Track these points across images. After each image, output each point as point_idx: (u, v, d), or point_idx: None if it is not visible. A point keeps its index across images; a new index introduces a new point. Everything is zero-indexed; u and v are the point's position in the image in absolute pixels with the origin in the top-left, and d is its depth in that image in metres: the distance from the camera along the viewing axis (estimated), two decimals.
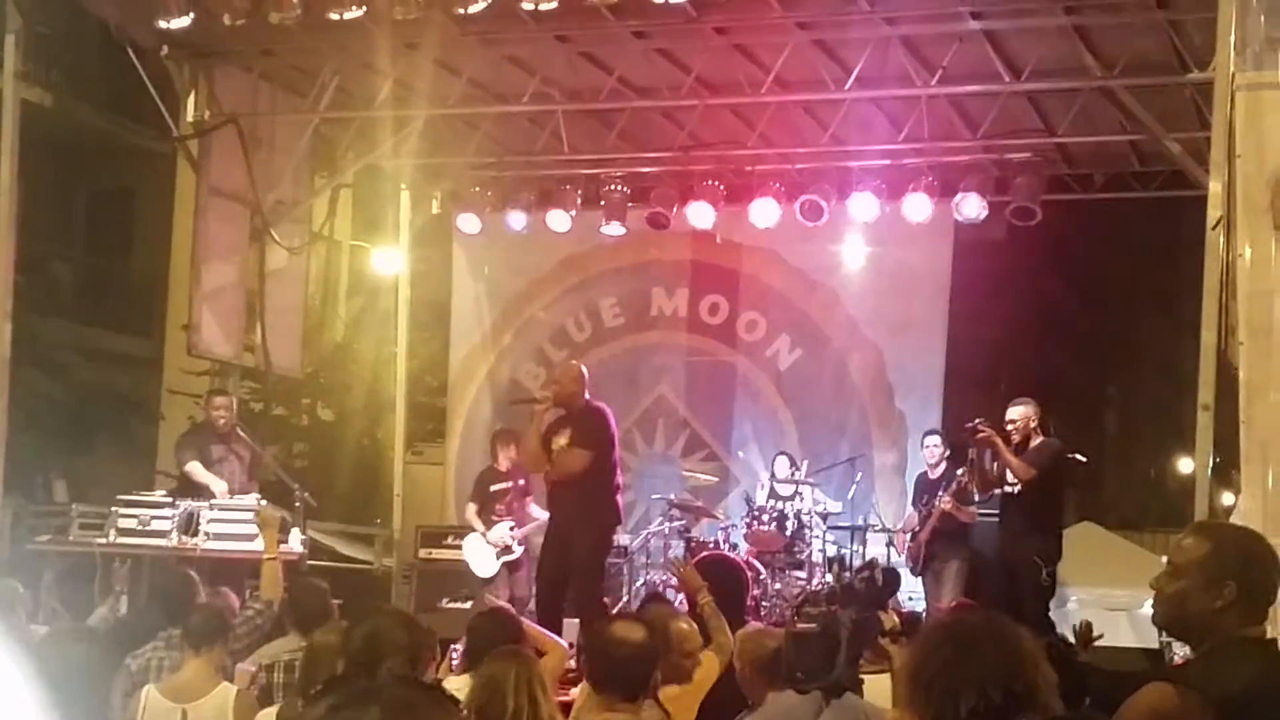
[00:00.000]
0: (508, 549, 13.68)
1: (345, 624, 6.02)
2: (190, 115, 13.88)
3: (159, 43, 13.30)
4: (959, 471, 13.16)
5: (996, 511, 12.55)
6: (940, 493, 13.12)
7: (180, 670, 6.83)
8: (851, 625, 5.02)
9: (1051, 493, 11.75)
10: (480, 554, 13.83)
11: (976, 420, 11.77)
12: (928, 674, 3.45)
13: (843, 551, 14.11)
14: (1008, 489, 11.76)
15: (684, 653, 6.46)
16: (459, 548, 14.09)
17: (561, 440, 10.76)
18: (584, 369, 11.26)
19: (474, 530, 13.95)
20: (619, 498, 11.01)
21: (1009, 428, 11.67)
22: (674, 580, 13.80)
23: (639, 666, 5.08)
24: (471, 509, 14.08)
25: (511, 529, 13.70)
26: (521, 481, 13.98)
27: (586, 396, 10.94)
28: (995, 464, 11.76)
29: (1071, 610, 14.23)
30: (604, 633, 5.21)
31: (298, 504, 12.54)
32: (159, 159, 20.13)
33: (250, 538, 11.67)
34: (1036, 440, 11.72)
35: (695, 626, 6.71)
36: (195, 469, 12.48)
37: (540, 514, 14.10)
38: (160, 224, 22.01)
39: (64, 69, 20.69)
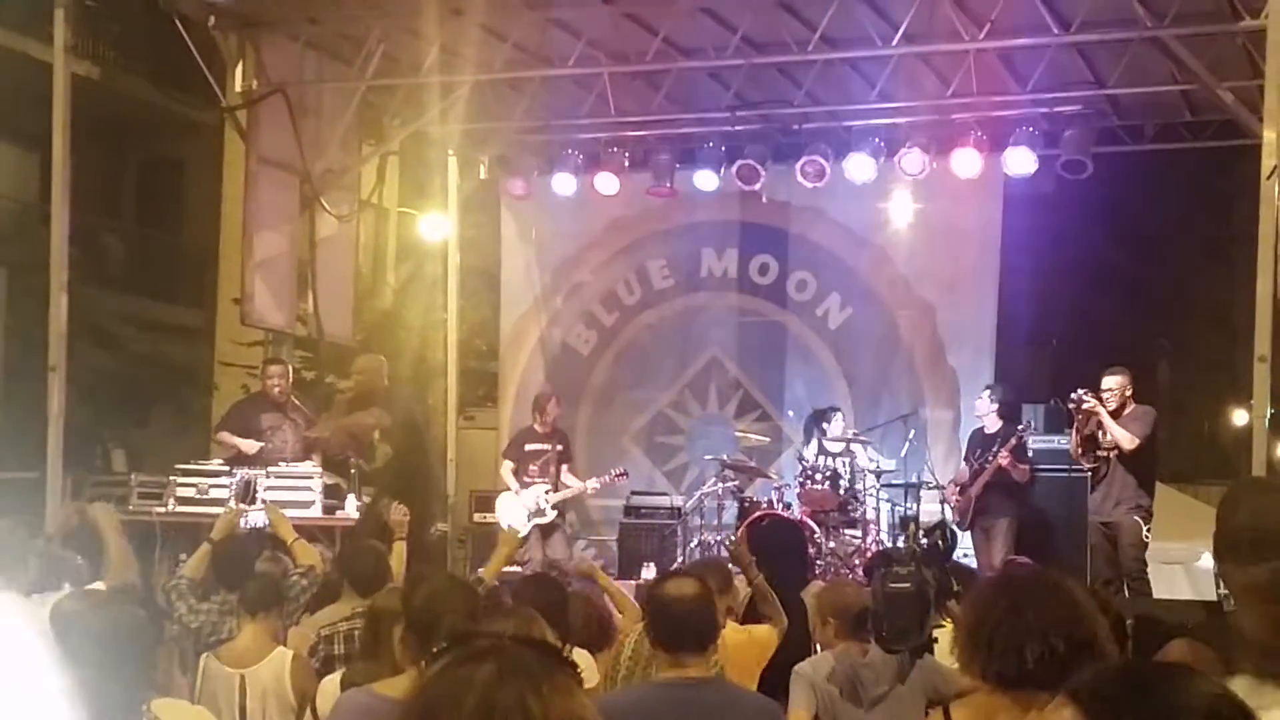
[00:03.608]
0: (540, 512, 13.73)
1: (402, 587, 6.07)
2: (238, 85, 13.87)
3: (206, 14, 13.32)
4: (1019, 427, 13.16)
5: (1080, 470, 12.69)
6: (996, 448, 13.08)
7: (237, 636, 6.90)
8: (935, 585, 5.11)
9: (1148, 455, 12.21)
10: (512, 514, 13.80)
11: (1080, 391, 12.11)
12: (987, 630, 3.49)
13: (910, 511, 14.05)
14: (1101, 453, 12.19)
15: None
16: None
17: (368, 419, 12.48)
18: (384, 361, 13.10)
19: (508, 490, 14.07)
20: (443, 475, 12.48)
21: (1104, 395, 12.11)
22: (727, 542, 13.94)
23: (701, 617, 5.13)
24: (508, 466, 14.17)
25: (547, 493, 13.76)
26: (559, 447, 14.06)
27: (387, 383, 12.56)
28: (1099, 432, 12.19)
29: None
30: (660, 593, 5.24)
31: (352, 470, 12.66)
32: (207, 130, 20.29)
33: (307, 504, 11.83)
34: (1131, 407, 12.13)
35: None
36: (225, 436, 12.91)
37: (574, 482, 14.12)
38: (209, 194, 22.17)
39: (112, 42, 20.89)
